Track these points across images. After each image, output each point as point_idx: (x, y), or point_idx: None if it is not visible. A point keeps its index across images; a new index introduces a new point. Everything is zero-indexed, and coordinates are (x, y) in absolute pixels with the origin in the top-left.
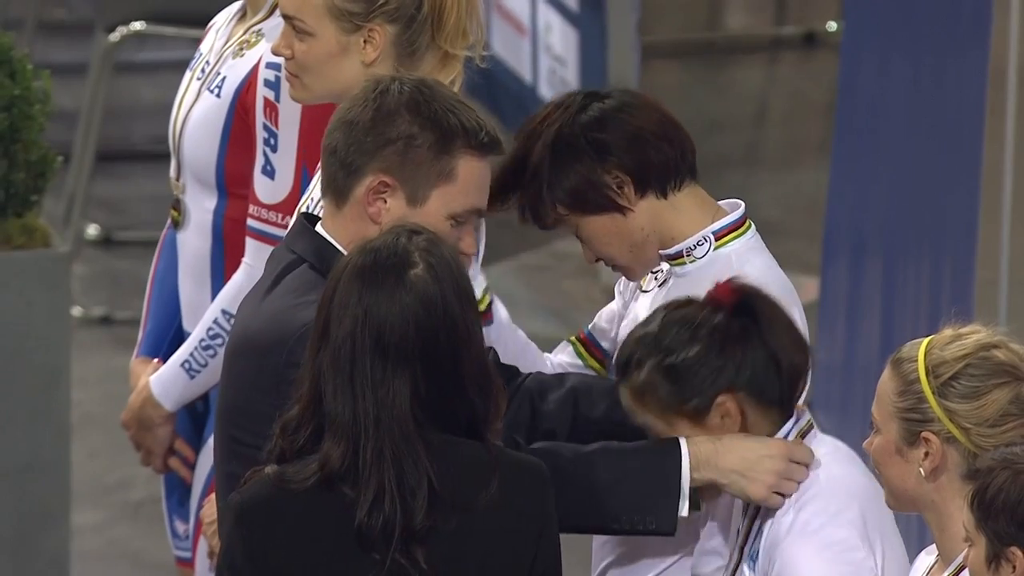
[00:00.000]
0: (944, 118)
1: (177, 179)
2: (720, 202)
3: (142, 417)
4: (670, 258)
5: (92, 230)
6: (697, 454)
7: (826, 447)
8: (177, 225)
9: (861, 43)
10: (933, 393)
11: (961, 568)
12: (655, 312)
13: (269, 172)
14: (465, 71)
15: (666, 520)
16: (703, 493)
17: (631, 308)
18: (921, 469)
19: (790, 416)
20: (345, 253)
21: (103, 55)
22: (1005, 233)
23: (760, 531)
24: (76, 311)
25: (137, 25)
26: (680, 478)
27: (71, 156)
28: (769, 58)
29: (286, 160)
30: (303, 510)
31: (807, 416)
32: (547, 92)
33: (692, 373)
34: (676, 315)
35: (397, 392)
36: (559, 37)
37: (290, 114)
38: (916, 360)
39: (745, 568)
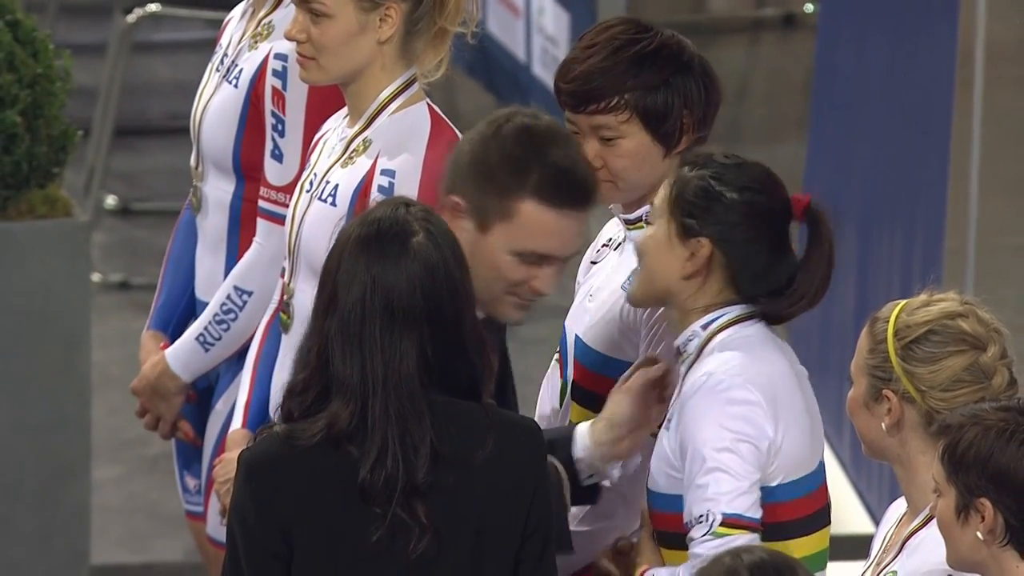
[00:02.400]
0: (915, 95)
1: (196, 167)
2: None
3: (158, 386)
4: (628, 223)
5: (110, 201)
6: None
7: (764, 334)
8: (196, 210)
9: (837, 24)
10: (896, 354)
11: (929, 518)
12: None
13: (278, 156)
14: (463, 51)
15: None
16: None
17: (586, 283)
18: (883, 424)
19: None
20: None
21: (121, 35)
22: (972, 204)
23: (679, 393)
24: (95, 277)
25: (153, 7)
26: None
27: (91, 131)
28: (750, 39)
29: (293, 145)
30: (309, 466)
31: (750, 309)
32: (540, 70)
33: (714, 203)
34: (754, 169)
35: (404, 354)
36: (551, 18)
37: (296, 101)
38: (888, 321)
39: (663, 434)
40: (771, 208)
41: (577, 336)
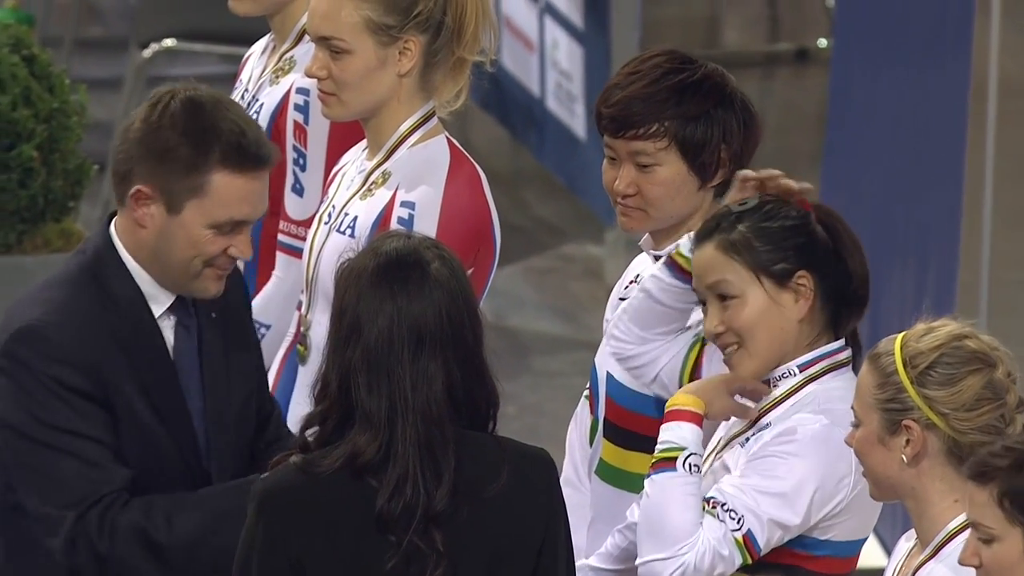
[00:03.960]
0: (928, 129)
1: None
2: None
3: None
4: (658, 259)
5: None
6: None
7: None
8: None
9: (850, 59)
10: (911, 382)
11: (938, 549)
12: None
13: (298, 190)
14: (478, 85)
15: None
16: None
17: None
18: (903, 456)
19: (843, 325)
20: (121, 252)
21: (136, 70)
22: (985, 237)
23: (766, 424)
24: None
25: (169, 42)
26: None
27: (106, 165)
28: (764, 73)
29: (314, 179)
30: (325, 495)
31: (847, 352)
32: (554, 105)
33: (786, 239)
34: (767, 199)
35: (432, 379)
36: (565, 53)
37: (318, 135)
38: (893, 353)
39: (736, 450)
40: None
41: (609, 373)
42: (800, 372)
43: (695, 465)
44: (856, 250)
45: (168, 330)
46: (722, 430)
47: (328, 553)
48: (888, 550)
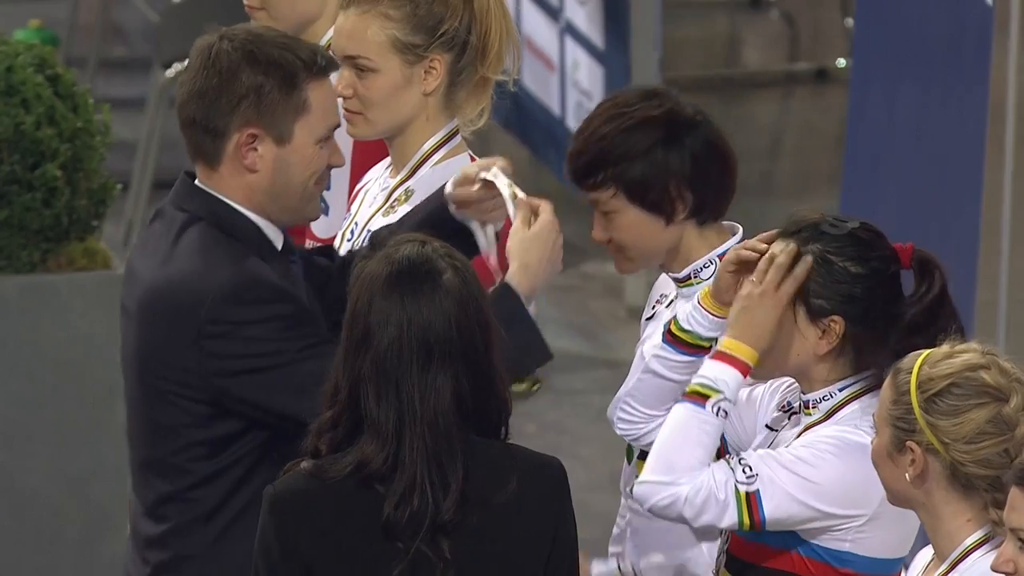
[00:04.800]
0: (947, 149)
1: None
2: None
3: None
4: (679, 281)
5: None
6: (519, 287)
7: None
8: None
9: (869, 79)
10: (919, 406)
11: (955, 564)
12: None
13: (324, 210)
14: (499, 104)
15: (543, 352)
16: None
17: (643, 343)
18: (907, 475)
19: (875, 362)
20: (237, 208)
21: (160, 90)
22: (1004, 257)
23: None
24: None
25: None
26: (526, 315)
27: (130, 184)
28: (783, 93)
29: (339, 197)
30: (334, 500)
31: (869, 380)
32: (574, 124)
33: (841, 282)
34: (861, 232)
35: (441, 390)
36: (586, 73)
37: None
38: (910, 372)
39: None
40: (892, 270)
41: None
42: (840, 393)
43: (724, 410)
44: (946, 320)
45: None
46: (758, 438)
47: (336, 557)
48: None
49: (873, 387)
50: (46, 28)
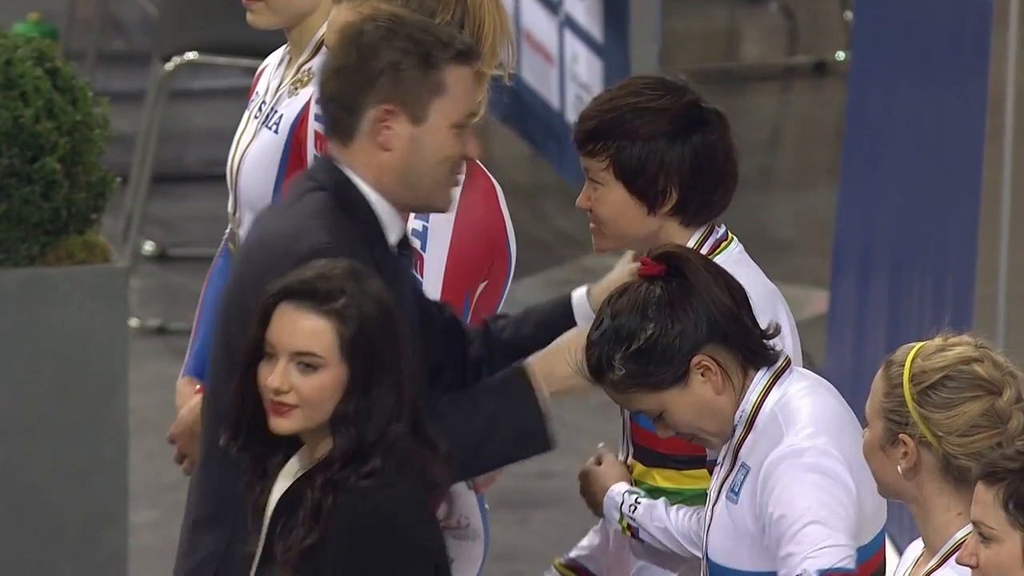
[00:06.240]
0: (945, 142)
1: (234, 214)
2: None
3: (196, 430)
4: None
5: (148, 246)
6: (538, 375)
7: (806, 380)
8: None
9: (868, 72)
10: (912, 399)
11: (946, 557)
12: (601, 310)
13: None
14: (497, 99)
15: (543, 442)
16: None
17: None
18: (899, 467)
19: (758, 352)
20: (361, 187)
21: (159, 83)
22: (1003, 251)
23: (742, 466)
24: (133, 322)
25: (191, 55)
26: (539, 405)
27: (129, 177)
28: (782, 86)
29: None
30: None
31: (783, 357)
32: (574, 118)
33: (660, 349)
34: (620, 304)
35: None
36: (585, 66)
37: None
38: (903, 365)
39: (723, 503)
40: (666, 294)
41: None
42: (748, 405)
43: (634, 505)
44: (714, 286)
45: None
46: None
47: None
48: (899, 549)
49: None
50: (45, 21)
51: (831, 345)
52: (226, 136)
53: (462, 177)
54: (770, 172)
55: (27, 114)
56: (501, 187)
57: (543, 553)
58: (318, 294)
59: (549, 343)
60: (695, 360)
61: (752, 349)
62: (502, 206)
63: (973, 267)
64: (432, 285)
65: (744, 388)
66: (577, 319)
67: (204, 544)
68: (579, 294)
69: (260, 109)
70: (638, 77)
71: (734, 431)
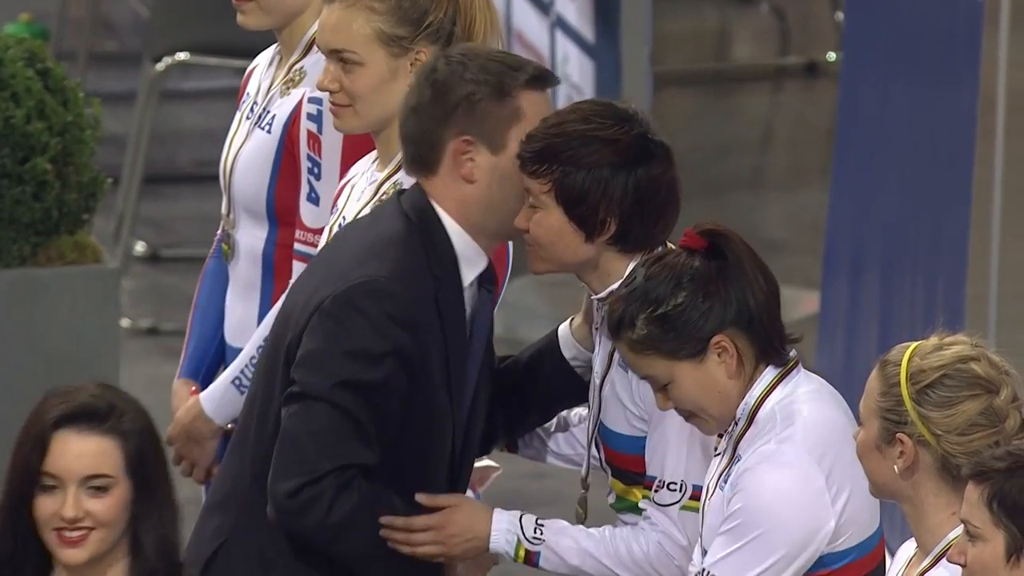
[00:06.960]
0: (937, 143)
1: (228, 215)
2: None
3: (192, 431)
4: (600, 299)
5: (140, 247)
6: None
7: (812, 384)
8: (227, 258)
9: (859, 72)
10: (910, 398)
11: (938, 558)
12: (635, 269)
13: (314, 199)
14: None
15: None
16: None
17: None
18: (896, 467)
19: (776, 348)
20: (445, 220)
21: (150, 84)
22: (994, 251)
23: (738, 457)
24: (124, 323)
25: (182, 56)
26: None
27: (120, 178)
28: (773, 86)
29: (329, 187)
30: None
31: (792, 354)
32: None
33: (685, 319)
34: (656, 268)
35: None
36: (576, 67)
37: (332, 143)
38: (900, 364)
39: (718, 495)
40: (704, 267)
41: (601, 423)
42: (752, 399)
43: (535, 540)
44: (753, 273)
45: (468, 301)
46: (713, 465)
47: None
48: (891, 550)
49: (781, 379)
50: (36, 22)
51: (822, 345)
52: (217, 136)
53: None
54: (761, 173)
55: (18, 115)
56: None
57: None
58: (96, 414)
59: (541, 386)
60: (716, 339)
61: (772, 344)
62: None
63: (964, 267)
64: None
65: (752, 379)
66: (563, 350)
67: (211, 526)
68: (564, 327)
69: (252, 110)
70: (587, 102)
71: (736, 424)
